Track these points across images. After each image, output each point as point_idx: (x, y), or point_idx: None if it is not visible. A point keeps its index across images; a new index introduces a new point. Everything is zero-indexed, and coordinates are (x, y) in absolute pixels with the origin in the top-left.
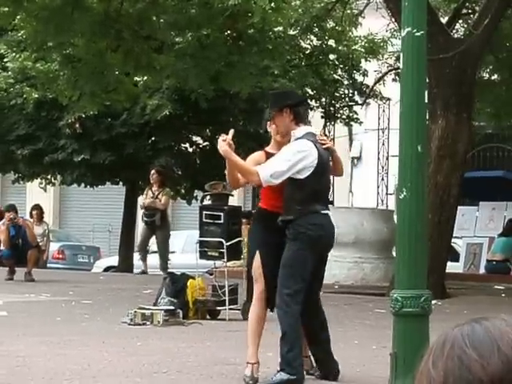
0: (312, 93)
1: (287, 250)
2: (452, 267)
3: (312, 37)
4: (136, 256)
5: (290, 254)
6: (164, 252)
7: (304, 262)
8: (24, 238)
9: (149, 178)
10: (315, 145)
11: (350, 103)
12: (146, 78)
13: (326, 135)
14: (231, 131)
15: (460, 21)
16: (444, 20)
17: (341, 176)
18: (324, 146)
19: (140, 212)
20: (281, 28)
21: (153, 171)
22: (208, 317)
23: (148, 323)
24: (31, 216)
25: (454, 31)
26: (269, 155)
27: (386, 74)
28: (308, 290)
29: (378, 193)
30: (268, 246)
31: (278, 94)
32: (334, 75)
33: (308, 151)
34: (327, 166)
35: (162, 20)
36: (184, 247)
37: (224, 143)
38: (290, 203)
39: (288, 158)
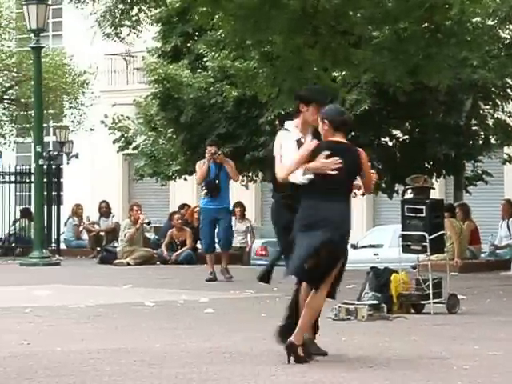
0: None
1: None
2: None
3: (511, 26)
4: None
5: None
6: None
7: None
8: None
9: None
10: None
11: None
12: (343, 72)
13: None
14: None
15: None
16: None
17: None
18: None
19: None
20: (479, 19)
21: None
22: (412, 311)
23: (352, 318)
24: (234, 213)
25: None
26: None
27: None
28: None
29: None
30: None
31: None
32: None
33: None
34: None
35: (358, 15)
36: (392, 242)
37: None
38: None
39: None
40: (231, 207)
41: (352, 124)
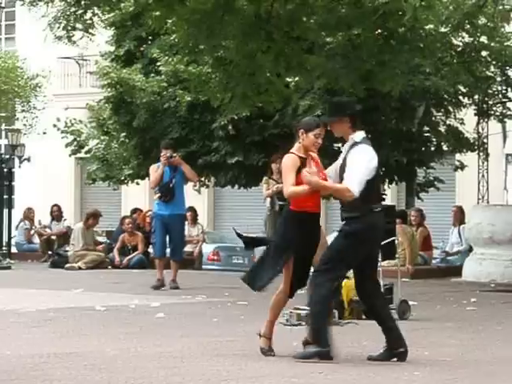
0: (464, 90)
1: (341, 236)
2: None
3: (464, 34)
4: None
5: (342, 242)
6: None
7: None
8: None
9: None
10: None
11: (504, 100)
12: (297, 78)
13: None
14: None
15: None
16: None
17: None
18: None
19: None
20: (432, 26)
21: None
22: (363, 317)
23: (303, 323)
24: (185, 218)
25: None
26: (302, 159)
27: None
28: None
29: None
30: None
31: (337, 103)
32: (487, 72)
33: (374, 154)
34: None
35: (312, 21)
36: None
37: (313, 176)
38: (355, 201)
39: (365, 165)
40: None
41: None
